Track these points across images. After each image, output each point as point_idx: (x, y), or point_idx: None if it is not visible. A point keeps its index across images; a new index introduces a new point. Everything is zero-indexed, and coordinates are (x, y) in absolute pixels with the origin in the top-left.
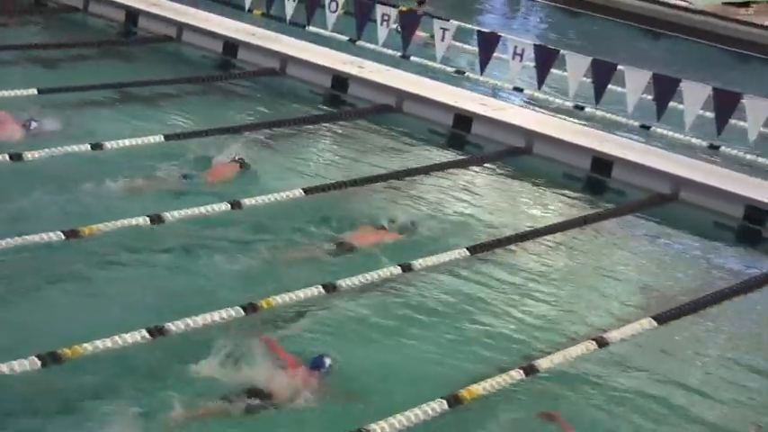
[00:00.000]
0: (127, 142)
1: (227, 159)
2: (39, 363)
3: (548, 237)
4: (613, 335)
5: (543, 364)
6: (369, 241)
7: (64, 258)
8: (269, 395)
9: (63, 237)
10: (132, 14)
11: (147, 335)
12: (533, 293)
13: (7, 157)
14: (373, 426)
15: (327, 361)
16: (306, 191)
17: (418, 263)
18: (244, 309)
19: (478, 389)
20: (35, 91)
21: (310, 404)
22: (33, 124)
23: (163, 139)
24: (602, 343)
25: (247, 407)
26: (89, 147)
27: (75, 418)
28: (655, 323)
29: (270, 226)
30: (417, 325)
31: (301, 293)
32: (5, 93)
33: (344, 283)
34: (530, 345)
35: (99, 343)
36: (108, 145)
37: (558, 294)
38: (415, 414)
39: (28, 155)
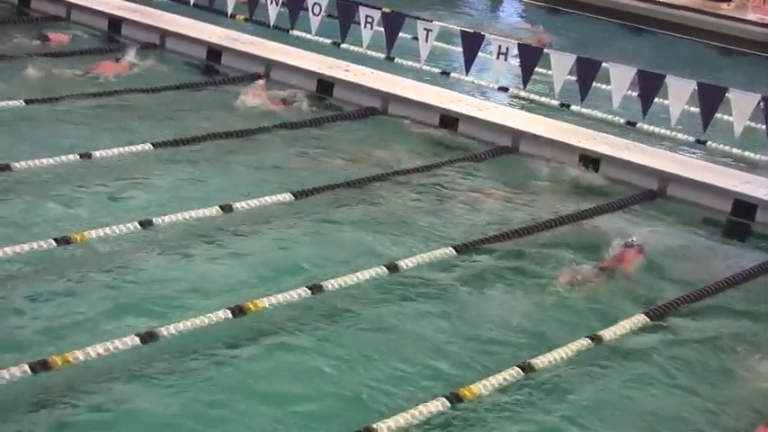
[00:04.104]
0: (115, 151)
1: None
2: None
3: (538, 234)
4: (608, 332)
5: (539, 363)
6: None
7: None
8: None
9: None
10: (115, 22)
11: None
12: (527, 291)
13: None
14: None
15: (634, 238)
16: (295, 194)
17: (404, 263)
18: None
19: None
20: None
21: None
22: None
23: (151, 147)
24: (596, 340)
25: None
26: (78, 156)
27: None
28: (647, 319)
29: None
30: None
31: None
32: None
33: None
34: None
35: None
36: (97, 154)
37: (551, 292)
38: None
39: None
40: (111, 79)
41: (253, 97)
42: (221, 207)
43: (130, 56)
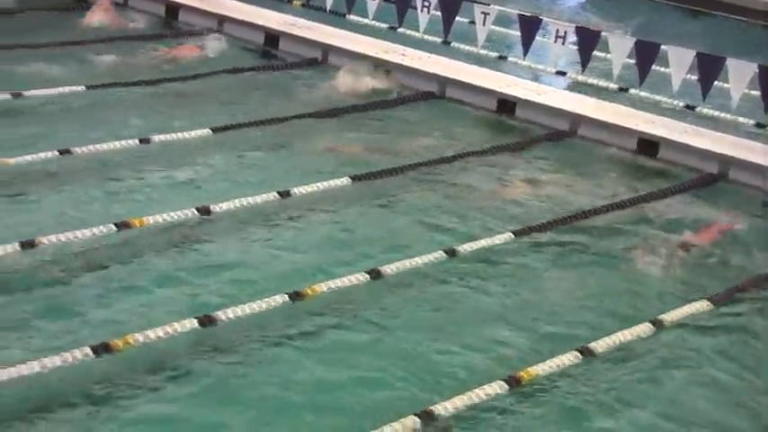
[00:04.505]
0: (173, 136)
1: None
2: None
3: (597, 218)
4: (668, 317)
5: (598, 347)
6: None
7: None
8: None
9: None
10: (173, 8)
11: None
12: (586, 274)
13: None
14: None
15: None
16: (353, 178)
17: (463, 248)
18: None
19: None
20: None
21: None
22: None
23: (210, 132)
24: (657, 325)
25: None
26: (137, 141)
27: None
28: (711, 305)
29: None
30: None
31: None
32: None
33: None
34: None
35: None
36: (156, 139)
37: (611, 275)
38: None
39: None
40: (180, 64)
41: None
42: (279, 192)
43: (201, 41)
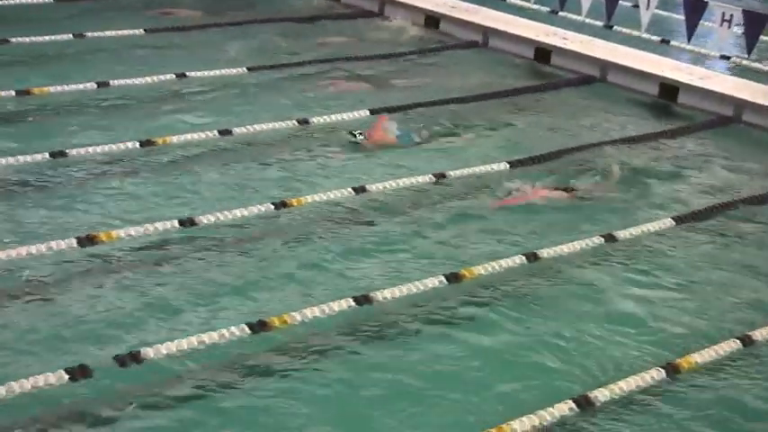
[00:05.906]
0: (332, 117)
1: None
2: None
3: (762, 206)
4: None
5: (759, 335)
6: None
7: None
8: None
9: None
10: None
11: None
12: (750, 262)
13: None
14: None
15: None
16: (510, 164)
17: (622, 234)
18: None
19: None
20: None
21: None
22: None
23: (368, 113)
24: None
25: None
26: (295, 122)
27: None
28: None
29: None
30: None
31: None
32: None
33: None
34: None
35: None
36: (314, 120)
37: None
38: None
39: None
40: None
41: None
42: (434, 175)
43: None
